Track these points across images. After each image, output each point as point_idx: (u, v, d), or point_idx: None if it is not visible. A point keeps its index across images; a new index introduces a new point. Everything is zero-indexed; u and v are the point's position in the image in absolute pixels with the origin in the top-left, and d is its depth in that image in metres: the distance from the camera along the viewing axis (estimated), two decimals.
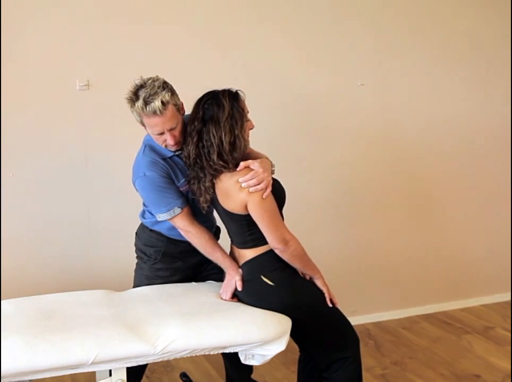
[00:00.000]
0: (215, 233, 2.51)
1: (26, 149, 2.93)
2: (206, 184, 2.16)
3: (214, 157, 2.11)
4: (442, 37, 3.62)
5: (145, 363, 2.06)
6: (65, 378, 2.74)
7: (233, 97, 2.14)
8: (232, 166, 2.13)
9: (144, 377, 2.51)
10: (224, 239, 2.40)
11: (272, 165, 2.24)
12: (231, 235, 2.28)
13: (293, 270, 2.22)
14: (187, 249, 2.39)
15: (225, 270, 2.28)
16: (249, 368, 2.63)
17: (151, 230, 2.43)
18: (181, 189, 2.30)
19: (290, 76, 3.32)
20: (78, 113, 2.97)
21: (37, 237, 3.00)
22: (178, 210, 2.25)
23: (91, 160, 3.02)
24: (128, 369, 2.03)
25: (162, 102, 2.13)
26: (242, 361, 2.22)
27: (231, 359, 2.48)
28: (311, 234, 3.29)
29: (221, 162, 2.11)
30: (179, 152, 2.29)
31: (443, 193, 3.79)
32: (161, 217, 2.28)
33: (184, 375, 2.81)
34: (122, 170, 3.03)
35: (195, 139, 2.14)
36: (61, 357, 1.89)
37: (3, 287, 2.88)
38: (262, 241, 2.17)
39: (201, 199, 2.20)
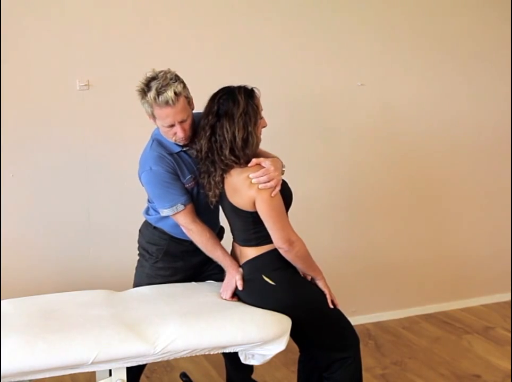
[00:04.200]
0: (219, 233, 2.51)
1: (26, 149, 2.93)
2: (216, 178, 2.16)
3: (226, 152, 2.11)
4: (442, 37, 3.62)
5: (145, 363, 2.07)
6: (65, 378, 2.74)
7: (248, 94, 2.15)
8: (244, 162, 2.14)
9: (144, 377, 2.52)
10: (226, 239, 2.40)
11: (282, 166, 2.25)
12: (235, 232, 2.28)
13: (294, 270, 2.22)
14: (190, 248, 2.39)
15: (225, 269, 2.28)
16: (250, 368, 2.63)
17: (154, 227, 2.43)
18: (187, 185, 2.30)
19: (290, 76, 3.32)
20: (78, 113, 2.97)
21: (37, 237, 3.00)
22: (181, 207, 2.26)
23: (91, 160, 3.02)
24: (127, 368, 2.03)
25: (175, 93, 2.14)
26: (243, 361, 2.22)
27: (232, 359, 2.47)
28: (311, 234, 3.28)
29: (232, 157, 2.12)
30: (187, 147, 2.29)
31: (443, 194, 3.79)
32: (164, 212, 2.29)
33: (184, 375, 2.81)
34: (123, 170, 3.05)
35: (208, 133, 2.14)
36: (61, 357, 1.90)
37: (3, 287, 2.88)
38: (265, 240, 2.17)
39: (210, 193, 2.20)
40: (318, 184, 3.47)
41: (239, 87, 2.16)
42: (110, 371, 2.05)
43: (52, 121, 2.94)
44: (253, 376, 2.68)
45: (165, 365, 3.08)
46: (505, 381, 2.97)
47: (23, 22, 2.84)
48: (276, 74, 3.29)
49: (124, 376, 2.04)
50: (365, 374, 2.36)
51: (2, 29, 2.80)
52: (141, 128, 3.06)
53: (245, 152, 2.13)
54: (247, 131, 2.11)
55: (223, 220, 2.48)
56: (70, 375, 2.24)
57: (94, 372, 2.07)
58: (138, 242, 2.52)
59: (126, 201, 3.05)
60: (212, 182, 2.17)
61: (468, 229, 3.89)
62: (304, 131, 3.40)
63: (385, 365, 3.14)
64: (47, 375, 1.94)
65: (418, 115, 3.64)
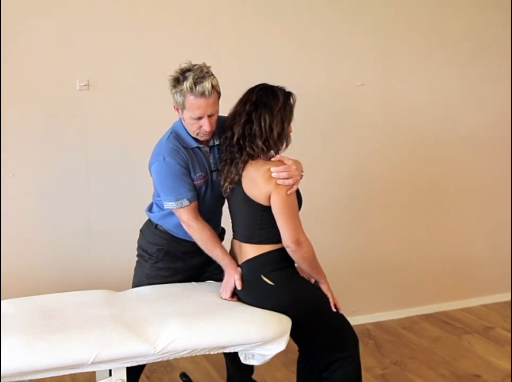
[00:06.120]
0: (220, 234, 2.51)
1: (26, 149, 2.93)
2: (239, 165, 2.17)
3: (259, 141, 2.14)
4: (442, 37, 3.62)
5: (145, 363, 2.07)
6: (65, 378, 2.74)
7: (287, 95, 2.20)
8: (270, 155, 2.17)
9: (144, 377, 2.51)
10: (226, 240, 2.40)
11: (302, 171, 2.26)
12: (239, 226, 2.27)
13: (293, 270, 2.22)
14: (190, 249, 2.39)
15: (224, 268, 2.28)
16: (250, 368, 2.63)
17: (156, 227, 2.43)
18: (196, 182, 2.30)
19: (290, 76, 3.31)
20: (78, 113, 2.97)
21: (37, 237, 3.00)
22: (186, 202, 2.26)
23: (91, 160, 3.02)
24: (127, 368, 2.03)
25: (212, 85, 2.17)
26: (242, 361, 2.22)
27: (233, 359, 2.47)
28: (311, 234, 3.28)
29: (264, 147, 2.14)
30: (202, 145, 2.30)
31: (443, 193, 3.79)
32: (168, 205, 2.29)
33: (184, 375, 2.81)
34: (123, 170, 3.05)
35: (243, 120, 2.16)
36: (61, 357, 1.89)
37: (3, 287, 2.88)
38: (268, 240, 2.17)
39: (228, 180, 2.21)
40: (318, 184, 3.46)
41: (278, 86, 2.21)
42: (110, 371, 2.05)
43: (52, 121, 2.94)
44: (253, 376, 2.68)
45: (165, 365, 3.08)
46: (505, 381, 2.97)
47: (23, 22, 2.84)
48: (275, 74, 3.28)
49: (124, 376, 2.04)
50: (365, 374, 2.36)
51: (2, 29, 2.80)
52: (141, 128, 3.07)
53: (277, 145, 2.17)
54: (283, 126, 2.16)
55: (224, 222, 2.49)
56: (70, 375, 2.24)
57: (94, 372, 2.07)
58: (138, 242, 2.51)
59: (126, 201, 3.04)
60: (233, 170, 2.18)
61: (468, 229, 3.89)
62: (304, 131, 3.38)
63: (385, 365, 3.14)
64: (47, 375, 1.94)
65: (418, 115, 3.64)
